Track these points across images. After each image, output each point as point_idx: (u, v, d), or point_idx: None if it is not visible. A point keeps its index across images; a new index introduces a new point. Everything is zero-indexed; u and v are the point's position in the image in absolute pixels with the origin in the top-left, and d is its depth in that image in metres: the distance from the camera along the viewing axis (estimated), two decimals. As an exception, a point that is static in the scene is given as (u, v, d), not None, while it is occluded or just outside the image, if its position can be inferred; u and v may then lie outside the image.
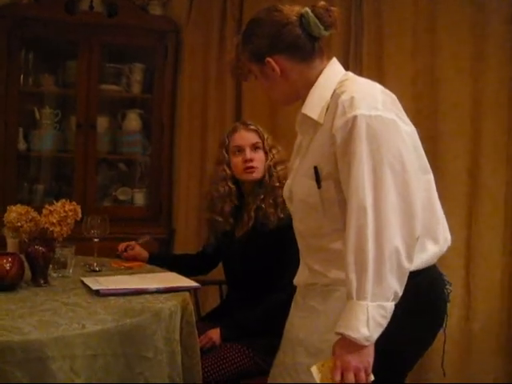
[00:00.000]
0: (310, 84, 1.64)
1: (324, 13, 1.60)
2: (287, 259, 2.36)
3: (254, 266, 2.45)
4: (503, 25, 3.23)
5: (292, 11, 1.63)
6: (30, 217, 2.04)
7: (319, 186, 1.57)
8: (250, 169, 2.43)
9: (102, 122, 3.70)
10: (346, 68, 3.24)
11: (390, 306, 1.43)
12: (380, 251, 1.41)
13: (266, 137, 2.47)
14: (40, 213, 2.07)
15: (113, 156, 3.81)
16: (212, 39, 3.60)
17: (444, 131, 3.29)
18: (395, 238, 1.42)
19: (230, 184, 2.49)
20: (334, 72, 1.66)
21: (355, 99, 1.50)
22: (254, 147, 2.44)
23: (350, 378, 1.43)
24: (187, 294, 2.03)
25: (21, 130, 3.59)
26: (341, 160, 1.51)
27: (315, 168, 1.57)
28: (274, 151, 2.45)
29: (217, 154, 2.58)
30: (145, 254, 2.63)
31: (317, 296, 1.69)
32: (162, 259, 2.66)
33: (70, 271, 2.22)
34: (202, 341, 2.22)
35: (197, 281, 2.75)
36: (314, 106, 1.61)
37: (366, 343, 1.42)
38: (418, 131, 1.65)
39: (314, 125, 1.61)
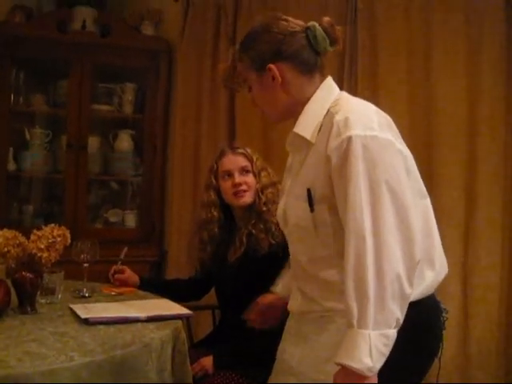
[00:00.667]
0: (305, 100, 1.60)
1: (330, 28, 1.58)
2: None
3: (247, 292, 2.40)
4: (497, 47, 3.22)
5: (298, 24, 1.60)
6: (18, 242, 1.98)
7: (312, 210, 1.53)
8: (240, 193, 2.39)
9: (93, 143, 3.66)
10: (341, 85, 3.23)
11: (393, 333, 1.38)
12: (381, 278, 1.37)
13: (255, 159, 2.42)
14: (29, 235, 2.01)
15: (104, 176, 3.76)
16: (205, 59, 3.58)
17: (439, 147, 3.26)
18: (396, 264, 1.38)
19: (213, 211, 2.46)
20: (328, 90, 1.62)
21: (350, 120, 1.46)
22: (243, 170, 2.40)
23: None
24: (179, 322, 1.97)
25: (11, 150, 3.55)
26: (336, 182, 1.47)
27: (308, 190, 1.52)
28: (262, 174, 2.41)
29: (205, 179, 2.55)
30: (135, 278, 2.57)
31: (311, 324, 1.65)
32: (154, 284, 2.60)
33: (59, 297, 2.16)
34: (194, 369, 2.16)
35: (189, 306, 2.71)
36: (307, 125, 1.57)
37: (369, 374, 1.36)
38: (413, 148, 1.61)
39: (306, 144, 1.57)
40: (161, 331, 1.81)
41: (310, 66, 1.60)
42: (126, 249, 2.67)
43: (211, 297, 2.67)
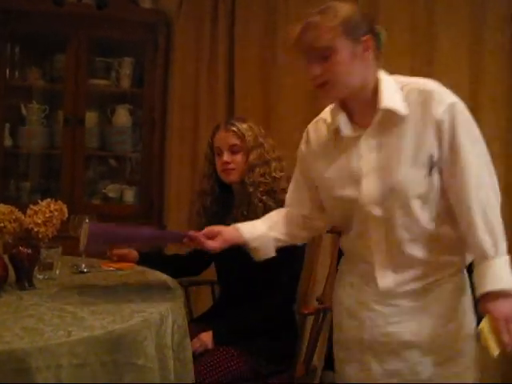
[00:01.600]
0: (374, 79, 1.67)
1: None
2: (281, 258, 2.31)
3: (246, 266, 2.38)
4: (500, 28, 3.16)
5: None
6: (14, 217, 1.95)
7: (430, 174, 1.62)
8: (227, 171, 2.39)
9: (91, 118, 3.62)
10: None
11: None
12: (498, 217, 1.60)
13: (247, 136, 2.38)
14: (26, 211, 1.99)
15: (102, 152, 3.73)
16: (204, 32, 3.53)
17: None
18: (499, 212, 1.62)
19: (207, 183, 2.47)
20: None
21: (441, 88, 1.65)
22: (233, 149, 2.37)
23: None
24: (179, 297, 1.96)
25: (7, 125, 3.51)
26: (450, 143, 1.60)
27: (431, 156, 1.61)
28: (254, 152, 2.36)
29: (205, 150, 2.54)
30: (134, 253, 2.55)
31: (411, 296, 1.72)
32: (153, 259, 2.57)
33: (57, 273, 2.13)
34: (194, 344, 2.14)
35: (189, 281, 2.70)
36: (394, 99, 1.64)
37: None
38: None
39: (397, 117, 1.63)
40: (160, 306, 1.79)
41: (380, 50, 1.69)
42: None
43: (210, 272, 2.66)
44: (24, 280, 1.95)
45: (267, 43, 3.46)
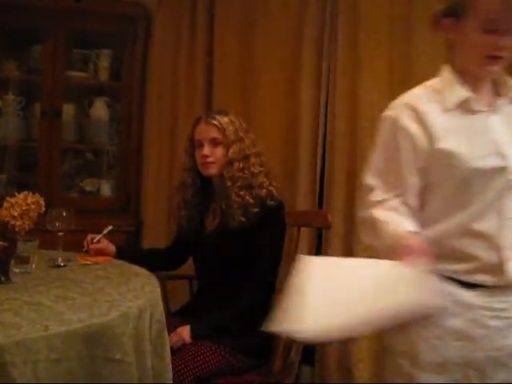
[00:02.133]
0: None
1: None
2: (258, 254, 2.32)
3: (226, 259, 2.39)
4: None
5: None
6: (-10, 210, 1.93)
7: None
8: (206, 164, 2.39)
9: (68, 110, 3.58)
10: (320, 54, 3.15)
11: None
12: None
13: (228, 130, 2.37)
14: (1, 205, 1.96)
15: (79, 145, 3.69)
16: (183, 25, 3.50)
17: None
18: None
19: (188, 176, 2.48)
20: None
21: None
22: (213, 142, 2.37)
23: None
24: (157, 291, 1.95)
25: (-18, 117, 3.46)
26: None
27: None
28: (234, 146, 2.36)
29: (185, 143, 2.53)
30: (112, 247, 2.54)
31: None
32: (131, 253, 2.57)
33: (33, 267, 2.11)
34: (172, 339, 2.15)
35: (167, 276, 2.69)
36: None
37: None
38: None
39: None
40: (138, 300, 1.78)
41: None
42: (110, 227, 2.61)
43: (189, 266, 2.66)
44: (0, 273, 1.93)
45: (246, 36, 3.45)
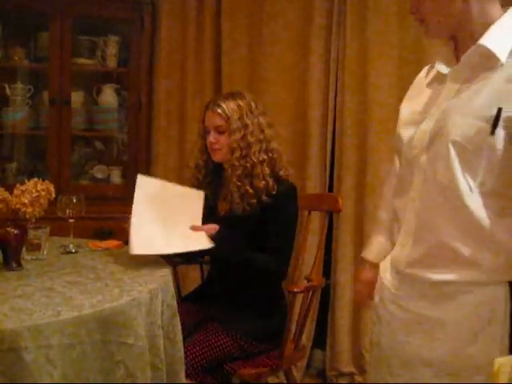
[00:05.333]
0: (484, 21, 1.43)
1: None
2: (274, 235, 2.32)
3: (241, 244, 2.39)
4: None
5: None
6: (1, 197, 1.93)
7: (492, 132, 1.36)
8: (213, 151, 2.41)
9: (77, 98, 3.57)
10: (329, 35, 3.13)
11: None
12: None
13: (234, 117, 2.35)
14: (11, 193, 1.97)
15: (88, 133, 3.69)
16: (190, 9, 3.48)
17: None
18: None
19: (199, 158, 2.49)
20: None
21: None
22: (218, 130, 2.37)
23: None
24: (168, 276, 1.95)
25: (-9, 106, 3.46)
26: None
27: (499, 110, 1.36)
28: (236, 134, 2.35)
29: (198, 126, 2.54)
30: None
31: (434, 302, 1.48)
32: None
33: (45, 253, 2.13)
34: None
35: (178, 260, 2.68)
36: (501, 42, 1.40)
37: None
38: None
39: (490, 62, 1.40)
40: (149, 285, 1.79)
41: None
42: None
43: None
44: (12, 261, 1.94)
45: (255, 18, 3.43)
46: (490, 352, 1.39)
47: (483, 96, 1.40)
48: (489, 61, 1.41)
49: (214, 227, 2.26)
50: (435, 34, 1.52)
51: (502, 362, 1.16)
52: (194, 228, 2.24)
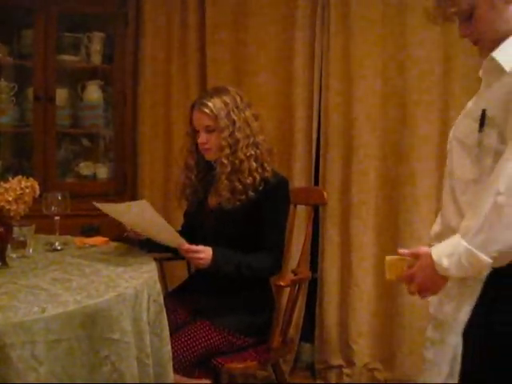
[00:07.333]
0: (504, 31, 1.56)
1: None
2: (264, 228, 2.32)
3: (222, 241, 2.39)
4: None
5: None
6: (-15, 195, 1.93)
7: (480, 130, 1.53)
8: (204, 150, 2.42)
9: (62, 94, 3.56)
10: (313, 30, 3.13)
11: (484, 259, 1.40)
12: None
13: (222, 114, 2.35)
14: (-3, 190, 1.96)
15: (74, 130, 3.67)
16: (175, 5, 3.47)
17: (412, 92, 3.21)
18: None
19: (190, 158, 2.51)
20: None
21: None
22: (207, 129, 2.37)
23: (412, 288, 1.55)
24: (154, 272, 1.96)
25: (-25, 104, 3.44)
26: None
27: (483, 111, 1.52)
28: (225, 132, 2.35)
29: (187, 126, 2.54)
30: None
31: None
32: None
33: (30, 251, 2.13)
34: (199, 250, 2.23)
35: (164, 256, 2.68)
36: (509, 55, 1.53)
37: (440, 272, 1.47)
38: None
39: (498, 72, 1.54)
40: (135, 280, 1.79)
41: None
42: None
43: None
44: (-3, 259, 1.94)
45: (240, 8, 3.43)
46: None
47: (481, 99, 1.58)
48: (498, 70, 1.53)
49: (208, 249, 2.26)
50: (488, 44, 1.60)
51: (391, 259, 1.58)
52: (193, 248, 2.24)
